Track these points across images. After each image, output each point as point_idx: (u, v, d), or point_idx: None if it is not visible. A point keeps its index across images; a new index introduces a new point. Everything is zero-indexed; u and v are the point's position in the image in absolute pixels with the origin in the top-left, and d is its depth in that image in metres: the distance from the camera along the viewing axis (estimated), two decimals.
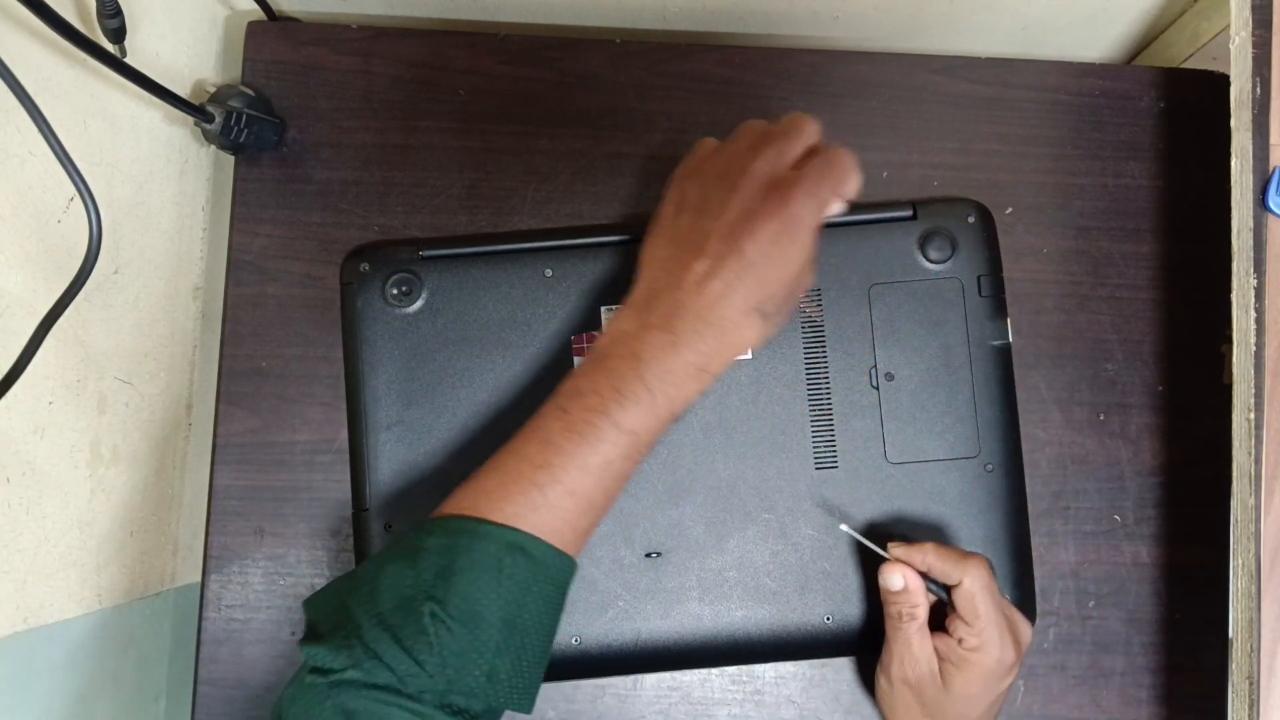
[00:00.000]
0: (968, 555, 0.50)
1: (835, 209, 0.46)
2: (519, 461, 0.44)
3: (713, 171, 0.47)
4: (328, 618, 0.42)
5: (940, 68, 0.63)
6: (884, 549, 0.51)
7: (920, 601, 0.50)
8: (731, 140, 0.48)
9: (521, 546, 0.42)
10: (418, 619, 0.40)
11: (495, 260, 0.57)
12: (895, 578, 0.51)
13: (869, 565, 0.55)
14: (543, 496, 0.43)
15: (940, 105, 0.62)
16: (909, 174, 0.62)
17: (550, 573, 0.43)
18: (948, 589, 0.50)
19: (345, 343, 0.57)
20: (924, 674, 0.50)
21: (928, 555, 0.50)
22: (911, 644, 0.50)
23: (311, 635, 0.42)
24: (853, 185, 0.46)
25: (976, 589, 0.49)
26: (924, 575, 0.51)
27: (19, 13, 0.41)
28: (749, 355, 0.56)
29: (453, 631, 0.40)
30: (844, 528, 0.53)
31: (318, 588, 0.58)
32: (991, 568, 0.50)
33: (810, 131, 0.47)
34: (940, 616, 0.51)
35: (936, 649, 0.50)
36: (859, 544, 0.55)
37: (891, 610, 0.51)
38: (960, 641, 0.49)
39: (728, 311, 0.44)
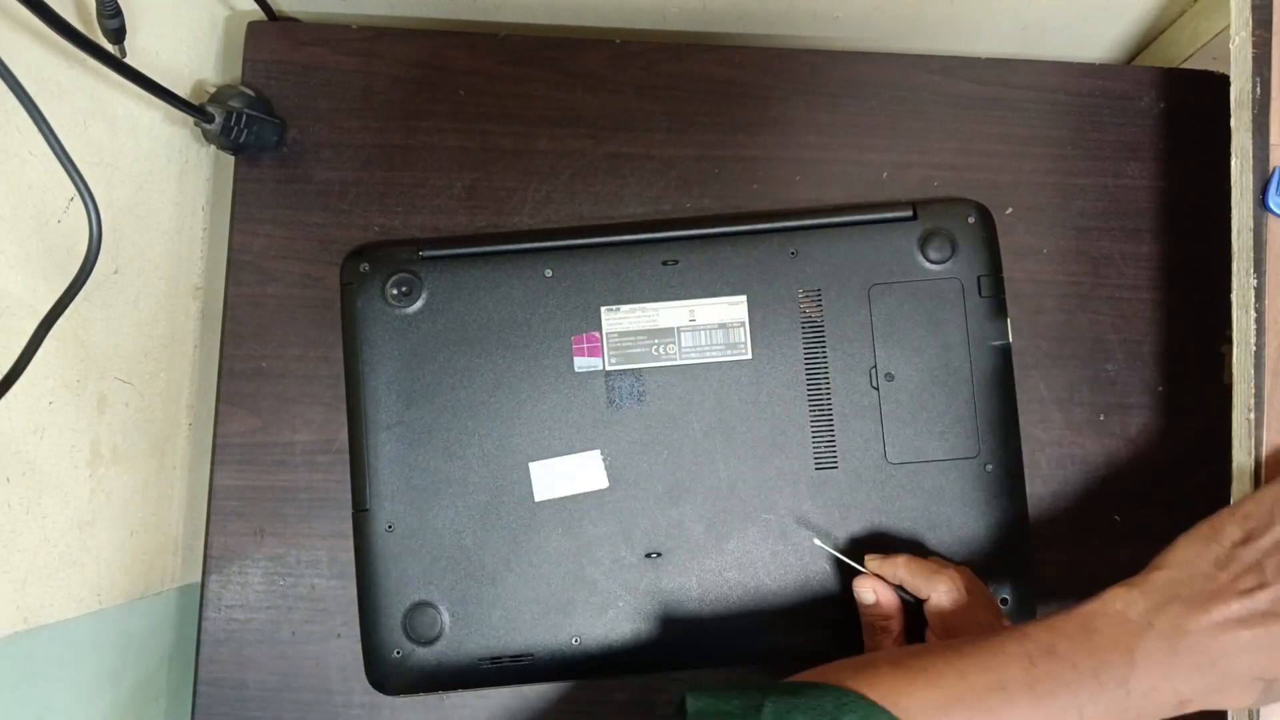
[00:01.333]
0: (942, 568, 0.49)
1: None
2: (963, 687, 0.40)
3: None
4: None
5: (940, 68, 0.63)
6: (861, 560, 0.51)
7: (893, 614, 0.50)
8: None
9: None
10: None
11: (495, 260, 0.57)
12: (866, 592, 0.51)
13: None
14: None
15: (940, 105, 0.62)
16: (909, 174, 0.62)
17: None
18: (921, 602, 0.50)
19: (345, 343, 0.57)
20: None
21: (899, 569, 0.50)
22: None
23: None
24: None
25: (945, 603, 0.48)
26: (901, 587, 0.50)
27: (19, 13, 0.41)
28: None
29: None
30: (816, 542, 0.53)
31: (316, 589, 0.58)
32: (976, 577, 0.50)
33: None
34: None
35: None
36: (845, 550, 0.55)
37: (865, 622, 0.51)
38: None
39: (1234, 666, 0.40)
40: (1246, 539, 0.43)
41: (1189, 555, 0.44)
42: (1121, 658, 0.40)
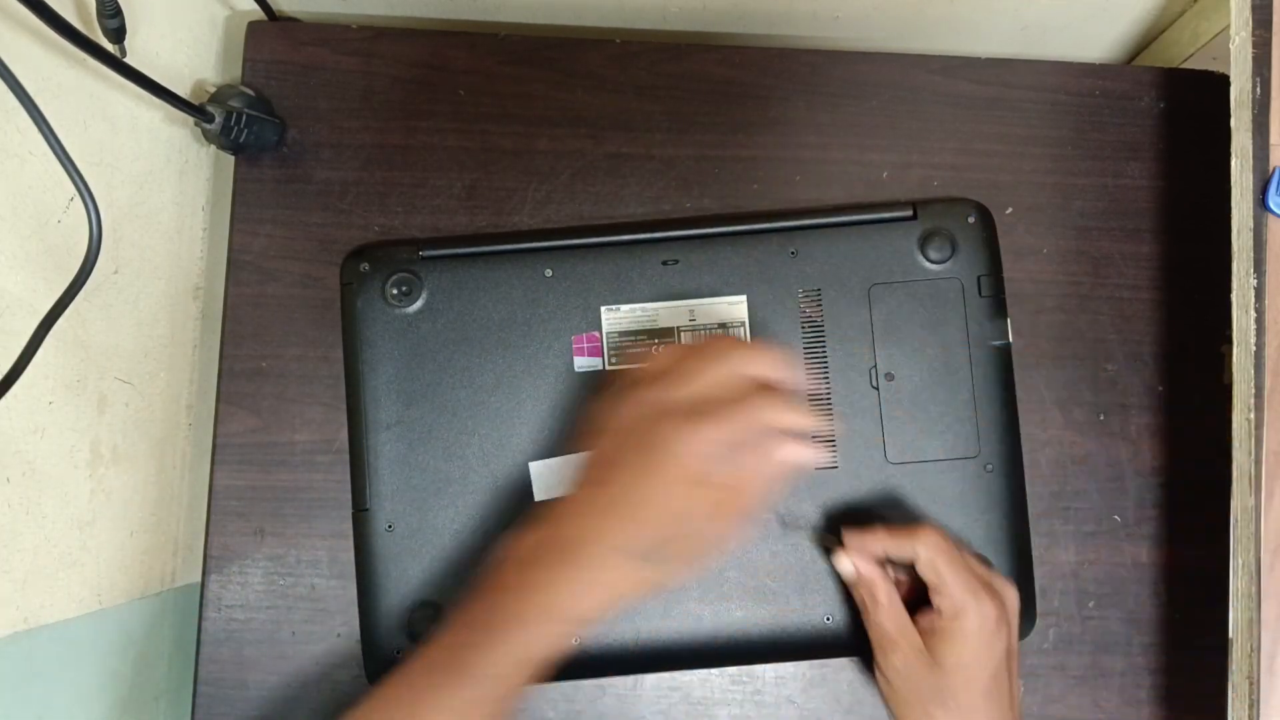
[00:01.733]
0: (918, 527, 0.50)
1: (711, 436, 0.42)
2: (399, 689, 0.44)
3: (633, 403, 0.45)
4: None
5: (940, 68, 0.63)
6: (840, 538, 0.52)
7: (880, 584, 0.51)
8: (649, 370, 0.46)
9: None
10: None
11: (495, 260, 0.57)
12: (845, 564, 0.51)
13: None
14: None
15: (940, 105, 0.62)
16: (909, 174, 0.62)
17: None
18: (914, 566, 0.50)
19: (345, 343, 0.57)
20: (910, 657, 0.49)
21: (880, 540, 0.51)
22: (886, 630, 0.50)
23: None
24: (739, 433, 0.42)
25: (934, 554, 0.49)
26: (891, 561, 0.51)
27: (19, 13, 0.41)
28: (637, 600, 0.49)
29: None
30: (790, 526, 0.54)
31: (316, 589, 0.58)
32: (948, 536, 0.50)
33: (715, 361, 0.44)
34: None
35: (921, 627, 0.50)
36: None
37: (857, 600, 0.52)
38: (939, 612, 0.49)
39: (592, 550, 0.42)
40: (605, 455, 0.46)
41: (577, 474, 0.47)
42: (497, 598, 0.44)
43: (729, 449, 0.43)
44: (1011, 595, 0.51)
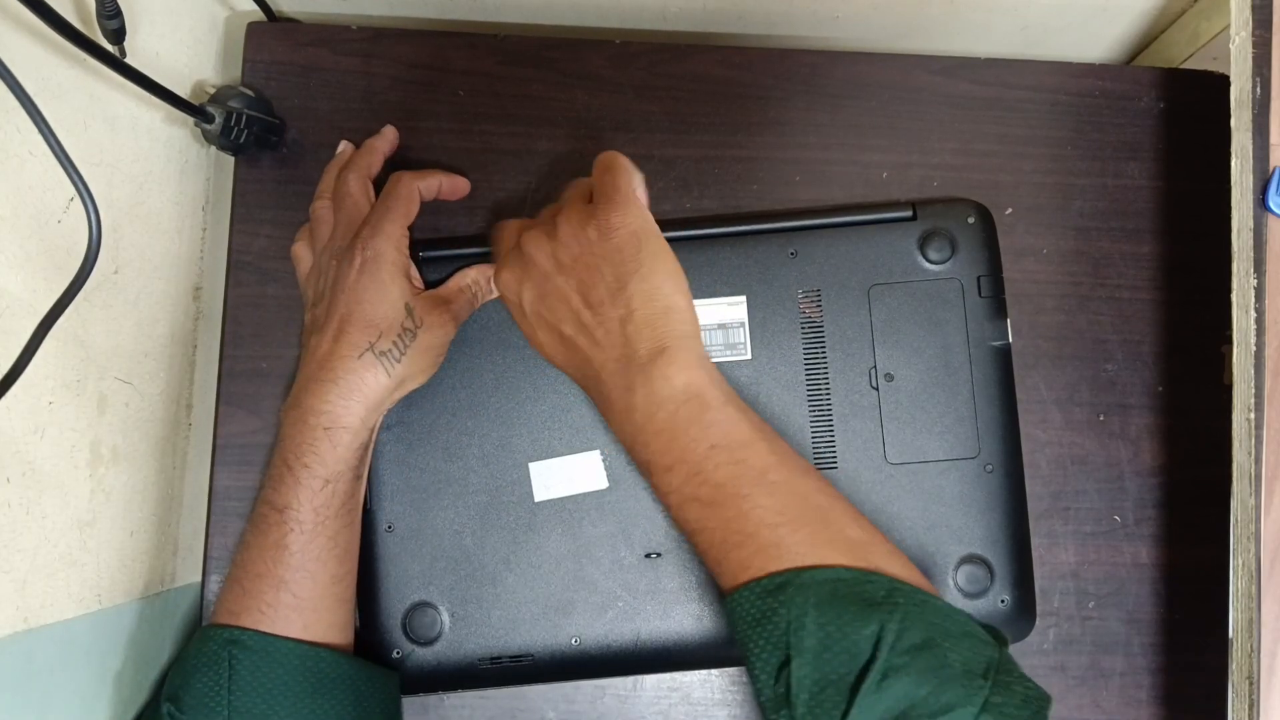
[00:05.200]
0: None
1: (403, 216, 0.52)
2: (233, 566, 0.51)
3: (313, 271, 0.55)
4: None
5: (940, 68, 0.63)
6: None
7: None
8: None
9: (236, 640, 0.47)
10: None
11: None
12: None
13: None
14: (241, 588, 0.49)
15: (940, 106, 0.62)
16: (909, 174, 0.62)
17: (273, 653, 0.48)
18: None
19: None
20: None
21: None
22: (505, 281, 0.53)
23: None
24: (409, 212, 0.53)
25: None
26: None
27: (19, 13, 0.41)
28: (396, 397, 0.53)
29: None
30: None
31: None
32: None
33: (351, 170, 0.55)
34: None
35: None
36: None
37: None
38: None
39: (339, 363, 0.49)
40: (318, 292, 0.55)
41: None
42: (276, 448, 0.51)
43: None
44: (529, 244, 0.50)
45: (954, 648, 0.40)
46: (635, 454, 0.48)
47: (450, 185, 0.57)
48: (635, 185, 0.49)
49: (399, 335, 0.50)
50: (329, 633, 0.50)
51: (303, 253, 0.56)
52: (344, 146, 0.60)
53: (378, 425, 0.52)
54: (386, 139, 0.59)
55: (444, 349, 0.53)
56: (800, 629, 0.40)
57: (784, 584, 0.42)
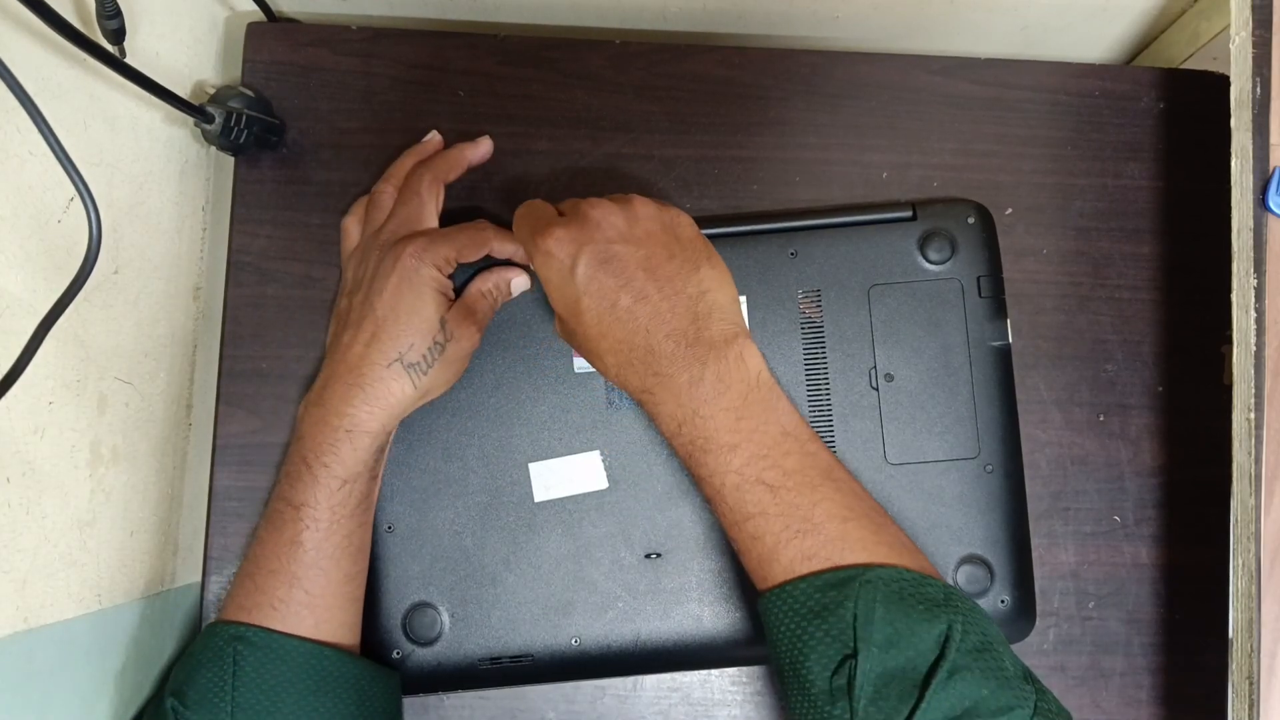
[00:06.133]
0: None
1: (451, 256, 0.51)
2: (245, 561, 0.51)
3: (357, 252, 0.54)
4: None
5: (940, 68, 0.63)
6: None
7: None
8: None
9: (242, 637, 0.48)
10: (164, 715, 0.47)
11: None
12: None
13: None
14: (253, 583, 0.49)
15: (940, 106, 0.62)
16: (909, 174, 0.62)
17: (278, 651, 0.48)
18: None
19: None
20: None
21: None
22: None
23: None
24: (468, 251, 0.52)
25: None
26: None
27: (19, 13, 0.41)
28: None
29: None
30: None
31: None
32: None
33: (417, 202, 0.54)
34: None
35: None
36: None
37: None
38: None
39: (369, 369, 0.49)
40: (349, 291, 0.55)
41: (328, 338, 0.56)
42: (295, 445, 0.51)
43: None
44: (596, 210, 0.48)
45: (1005, 653, 0.43)
46: (692, 428, 0.46)
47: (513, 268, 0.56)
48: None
49: (430, 348, 0.50)
50: (338, 632, 0.50)
51: (352, 228, 0.56)
52: (432, 136, 0.59)
53: (395, 428, 0.53)
54: (480, 150, 0.58)
55: (468, 359, 0.53)
56: (869, 623, 0.41)
57: (850, 578, 0.43)
